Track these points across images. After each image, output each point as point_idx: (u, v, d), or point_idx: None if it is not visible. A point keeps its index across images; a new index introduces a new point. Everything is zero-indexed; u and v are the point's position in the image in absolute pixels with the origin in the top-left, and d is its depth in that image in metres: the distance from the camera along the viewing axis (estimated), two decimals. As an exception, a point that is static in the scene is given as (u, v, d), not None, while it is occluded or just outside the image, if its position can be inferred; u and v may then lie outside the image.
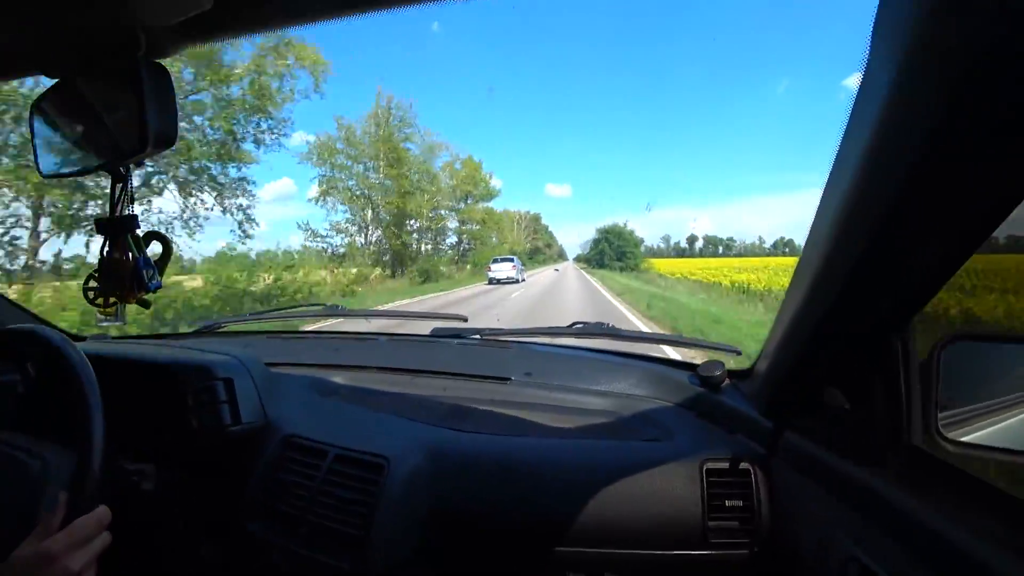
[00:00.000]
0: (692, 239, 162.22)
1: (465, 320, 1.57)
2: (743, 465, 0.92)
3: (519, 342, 1.49)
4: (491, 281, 23.06)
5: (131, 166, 0.66)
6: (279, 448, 1.02)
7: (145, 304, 0.72)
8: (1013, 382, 0.86)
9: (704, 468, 0.92)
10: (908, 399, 0.69)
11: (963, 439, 0.77)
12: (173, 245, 0.79)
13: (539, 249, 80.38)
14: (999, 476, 0.73)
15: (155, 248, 0.73)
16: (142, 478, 1.01)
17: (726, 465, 0.93)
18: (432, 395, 1.25)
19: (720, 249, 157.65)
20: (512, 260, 25.55)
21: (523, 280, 24.60)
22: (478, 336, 1.48)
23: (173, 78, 0.59)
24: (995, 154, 0.44)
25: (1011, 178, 0.46)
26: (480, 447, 1.01)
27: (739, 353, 1.26)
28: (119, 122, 0.58)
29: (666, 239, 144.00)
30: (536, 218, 76.09)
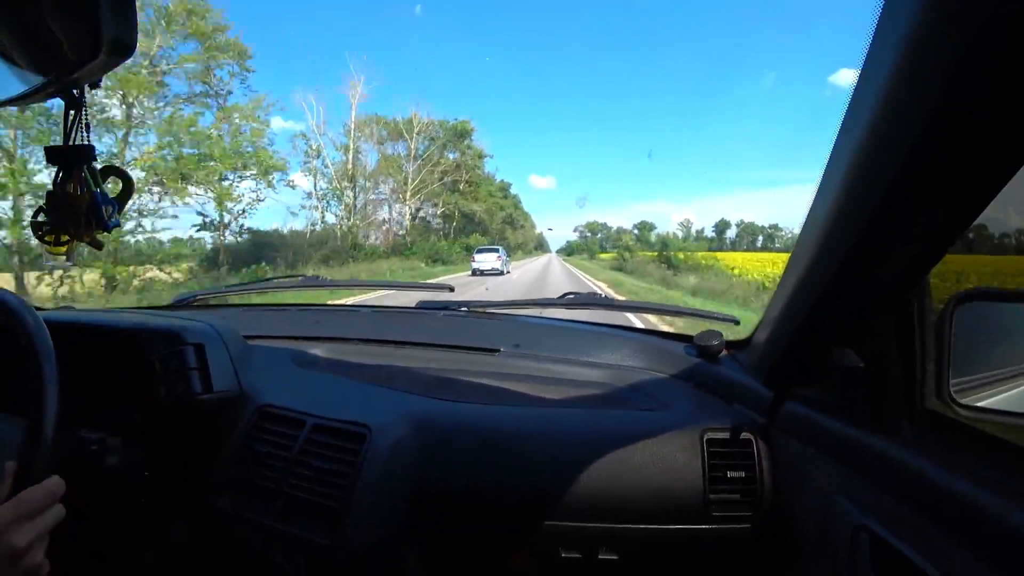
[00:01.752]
0: (723, 226, 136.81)
1: (452, 291, 1.51)
2: (744, 435, 0.89)
3: (508, 314, 1.45)
4: (474, 272, 22.49)
5: (85, 88, 0.60)
6: (253, 418, 0.96)
7: (98, 245, 0.66)
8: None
9: (704, 438, 0.88)
10: (923, 361, 0.66)
11: (977, 404, 0.74)
12: (134, 182, 0.72)
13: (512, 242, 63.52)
14: (1017, 440, 0.70)
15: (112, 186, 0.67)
16: (106, 451, 0.94)
17: (727, 435, 0.89)
18: (417, 366, 1.20)
19: (760, 240, 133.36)
20: (497, 250, 24.82)
21: (508, 272, 24.02)
22: (465, 308, 1.43)
23: None
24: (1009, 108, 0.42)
25: None
26: (467, 417, 0.96)
27: (737, 323, 1.22)
28: (70, 30, 0.51)
29: (685, 226, 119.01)
30: (518, 208, 64.94)
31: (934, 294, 0.67)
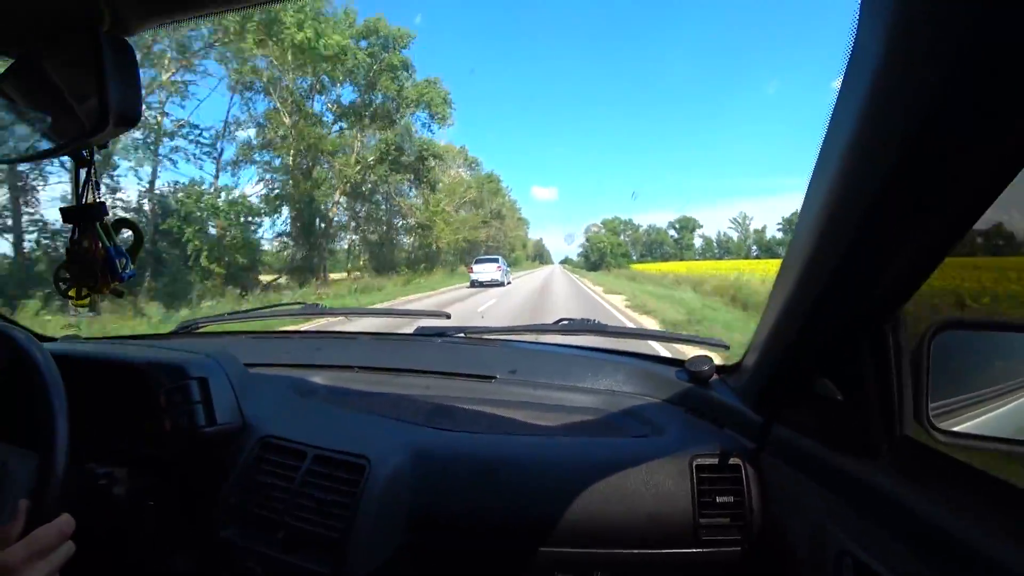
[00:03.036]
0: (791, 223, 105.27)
1: (448, 318, 1.54)
2: (733, 460, 0.91)
3: (504, 340, 1.47)
4: (473, 283, 21.87)
5: (95, 149, 0.63)
6: (256, 450, 0.99)
7: (119, 294, 0.70)
8: (1003, 370, 0.85)
9: (694, 464, 0.91)
10: (900, 389, 0.68)
11: (954, 429, 0.76)
12: (144, 232, 0.75)
13: (494, 243, 52.22)
14: (992, 466, 0.72)
15: (126, 235, 0.71)
16: (112, 483, 0.97)
17: (715, 460, 0.91)
18: (415, 394, 1.22)
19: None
20: (496, 260, 23.89)
21: (509, 283, 23.46)
22: (462, 334, 1.46)
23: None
24: (985, 137, 0.43)
25: (1000, 160, 0.44)
26: (464, 446, 0.98)
27: (727, 348, 1.25)
28: (80, 101, 0.55)
29: (740, 222, 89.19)
30: (492, 180, 49.15)
31: (912, 322, 0.69)
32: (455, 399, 1.19)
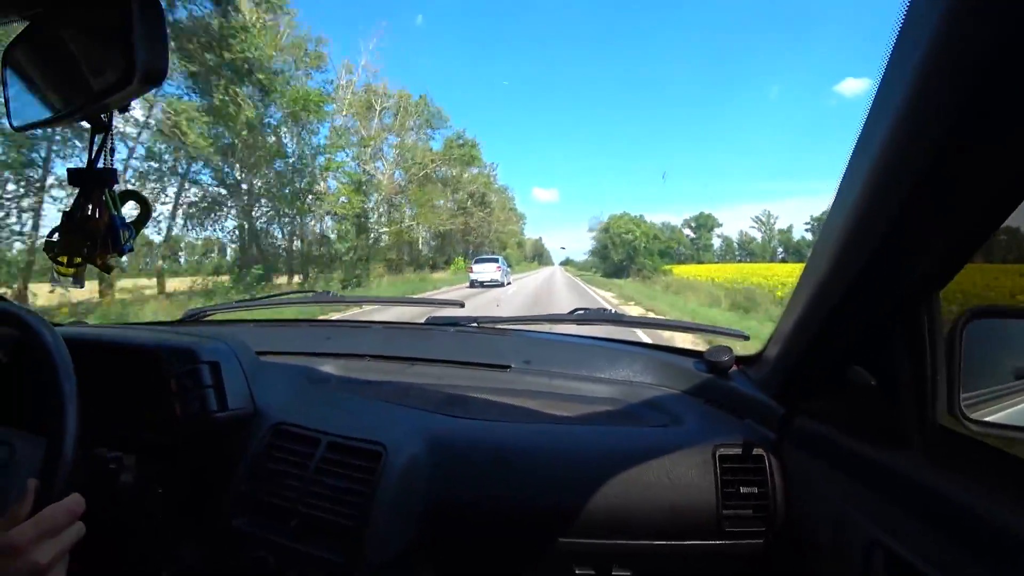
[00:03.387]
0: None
1: (462, 306, 1.52)
2: (756, 450, 0.89)
3: (518, 330, 1.45)
4: (473, 284, 21.70)
5: (113, 113, 0.61)
6: (268, 437, 0.97)
7: (108, 268, 0.67)
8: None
9: (717, 454, 0.89)
10: (934, 376, 0.66)
11: (987, 418, 0.74)
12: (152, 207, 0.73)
13: (476, 238, 44.72)
14: (1024, 455, 0.71)
15: (130, 209, 0.68)
16: (120, 469, 0.95)
17: (739, 451, 0.89)
18: (428, 383, 1.21)
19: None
20: (496, 260, 23.84)
21: (509, 283, 23.36)
22: (475, 324, 1.44)
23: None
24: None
25: None
26: (480, 434, 0.97)
27: (747, 338, 1.23)
28: (102, 58, 0.53)
29: (763, 221, 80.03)
30: (466, 145, 36.64)
31: (943, 310, 0.68)
32: (470, 388, 1.18)
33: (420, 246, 33.60)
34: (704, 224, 77.60)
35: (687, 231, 76.64)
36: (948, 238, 0.54)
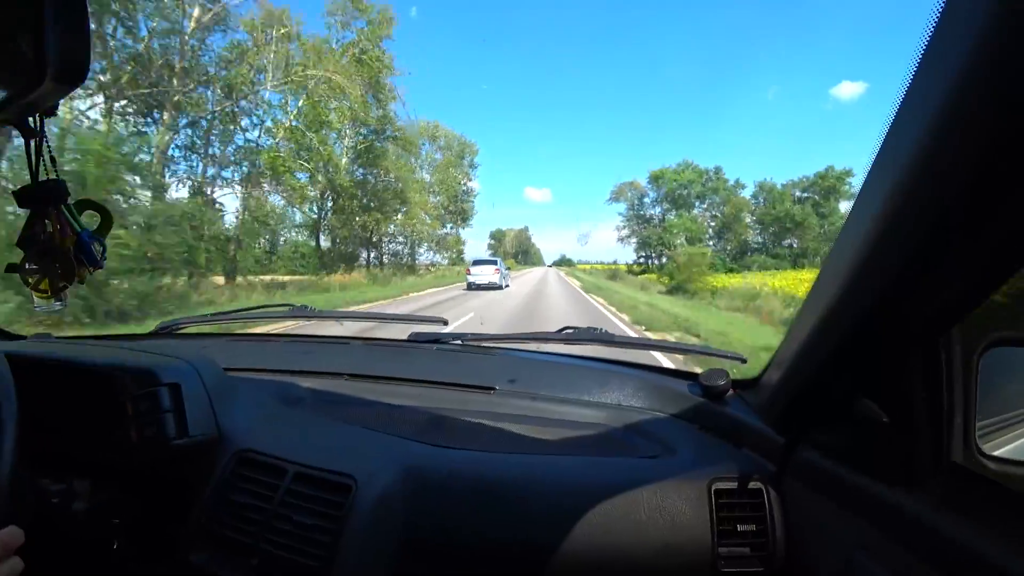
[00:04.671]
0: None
1: (446, 323, 1.46)
2: (753, 484, 0.84)
3: (504, 348, 1.40)
4: (470, 286, 20.58)
5: (41, 118, 0.55)
6: (231, 465, 0.90)
7: (83, 280, 0.63)
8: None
9: (712, 488, 0.83)
10: (951, 411, 0.62)
11: (998, 452, 0.70)
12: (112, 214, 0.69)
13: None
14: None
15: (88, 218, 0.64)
16: (72, 497, 0.88)
17: (735, 484, 0.84)
18: (408, 404, 1.14)
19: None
20: (495, 263, 22.35)
21: (507, 286, 21.98)
22: (459, 341, 1.38)
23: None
24: None
25: None
26: (460, 464, 0.90)
27: (744, 361, 1.18)
28: (9, 54, 0.46)
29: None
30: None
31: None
32: (451, 411, 1.12)
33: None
34: (832, 188, 47.08)
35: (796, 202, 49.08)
36: (973, 268, 0.49)
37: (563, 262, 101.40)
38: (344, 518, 0.79)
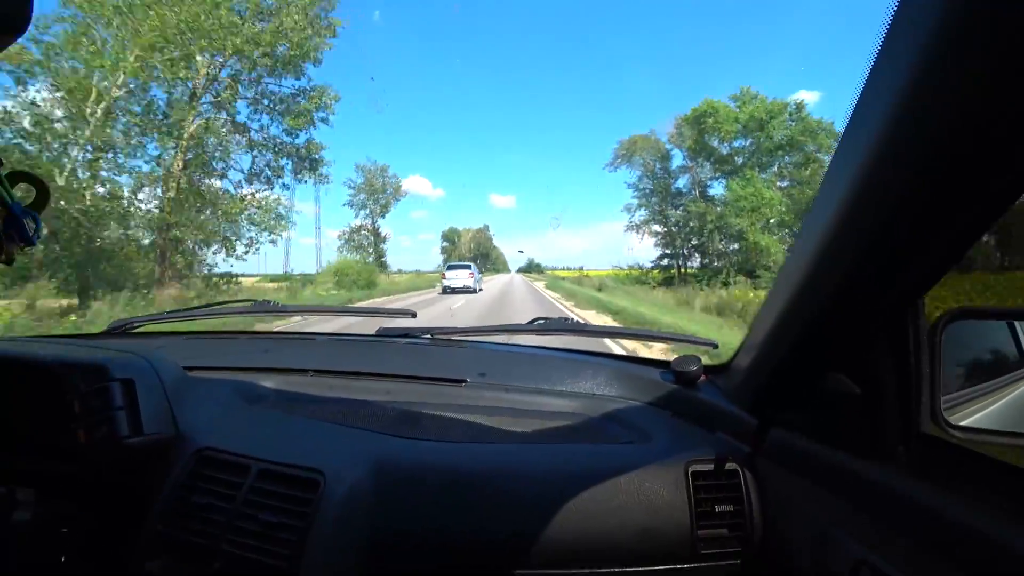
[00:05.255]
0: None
1: (414, 316, 1.43)
2: (730, 465, 0.84)
3: (474, 341, 1.38)
4: (445, 290, 20.79)
5: None
6: (191, 464, 0.85)
7: (10, 261, 0.58)
8: (1011, 359, 0.82)
9: (689, 471, 0.83)
10: (918, 383, 0.63)
11: (964, 423, 0.72)
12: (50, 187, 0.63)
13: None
14: (1009, 458, 0.68)
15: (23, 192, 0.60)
16: (14, 506, 0.82)
17: (711, 467, 0.84)
18: (377, 399, 1.11)
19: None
20: (469, 267, 22.93)
21: (480, 290, 22.27)
22: (429, 335, 1.35)
23: None
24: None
25: None
26: (431, 456, 0.88)
27: (715, 347, 1.19)
28: None
29: None
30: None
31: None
32: (421, 404, 1.09)
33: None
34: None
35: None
36: (937, 242, 0.50)
37: (532, 268, 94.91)
38: (312, 515, 0.76)
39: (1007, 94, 0.38)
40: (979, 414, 0.78)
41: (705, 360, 1.06)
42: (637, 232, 35.06)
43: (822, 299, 0.62)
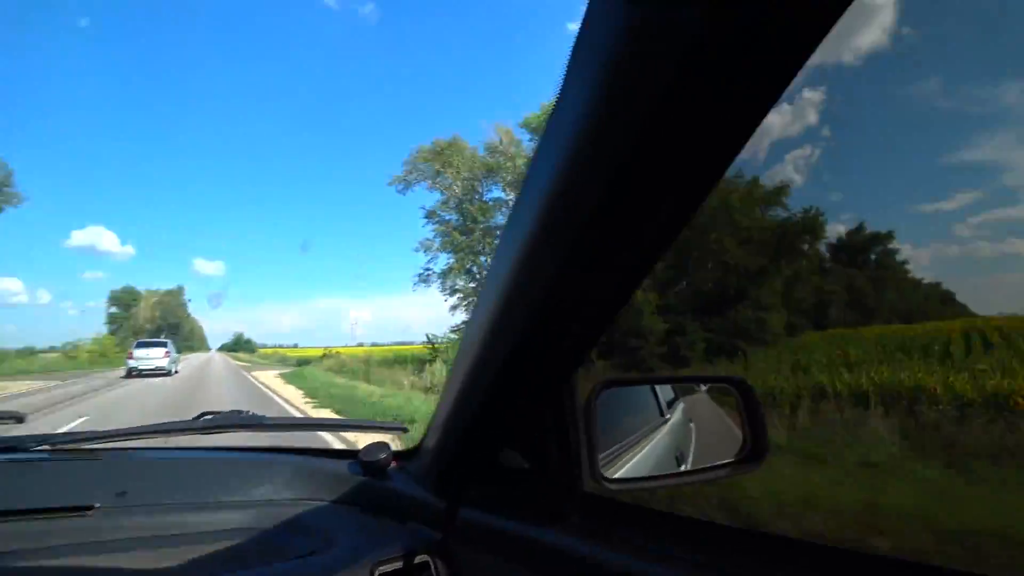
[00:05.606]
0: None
1: (21, 421, 1.03)
2: (420, 558, 0.79)
3: (115, 449, 1.05)
4: (131, 372, 17.08)
5: None
6: None
7: None
8: (643, 418, 0.98)
9: (376, 573, 0.75)
10: (577, 448, 0.69)
11: (618, 475, 0.82)
12: None
13: None
14: (651, 501, 0.80)
15: None
16: None
17: (400, 564, 0.78)
18: None
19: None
20: (164, 344, 19.09)
21: (176, 372, 18.36)
22: (47, 446, 0.98)
23: None
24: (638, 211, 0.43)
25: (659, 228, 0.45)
26: None
27: (406, 431, 1.14)
28: None
29: None
30: None
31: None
32: (24, 552, 0.78)
33: None
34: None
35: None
36: (584, 322, 0.55)
37: (240, 345, 76.05)
38: None
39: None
40: (629, 464, 0.90)
41: (397, 445, 1.00)
42: (441, 287, 23.83)
43: (489, 379, 0.64)
